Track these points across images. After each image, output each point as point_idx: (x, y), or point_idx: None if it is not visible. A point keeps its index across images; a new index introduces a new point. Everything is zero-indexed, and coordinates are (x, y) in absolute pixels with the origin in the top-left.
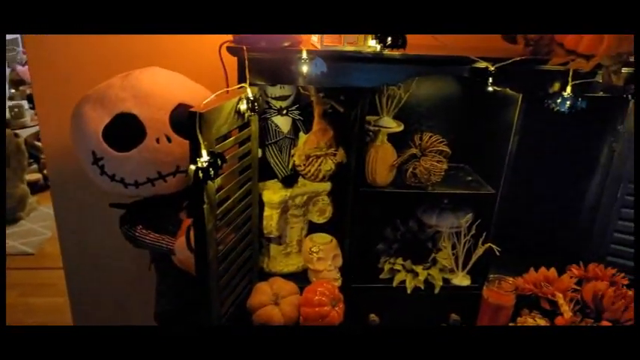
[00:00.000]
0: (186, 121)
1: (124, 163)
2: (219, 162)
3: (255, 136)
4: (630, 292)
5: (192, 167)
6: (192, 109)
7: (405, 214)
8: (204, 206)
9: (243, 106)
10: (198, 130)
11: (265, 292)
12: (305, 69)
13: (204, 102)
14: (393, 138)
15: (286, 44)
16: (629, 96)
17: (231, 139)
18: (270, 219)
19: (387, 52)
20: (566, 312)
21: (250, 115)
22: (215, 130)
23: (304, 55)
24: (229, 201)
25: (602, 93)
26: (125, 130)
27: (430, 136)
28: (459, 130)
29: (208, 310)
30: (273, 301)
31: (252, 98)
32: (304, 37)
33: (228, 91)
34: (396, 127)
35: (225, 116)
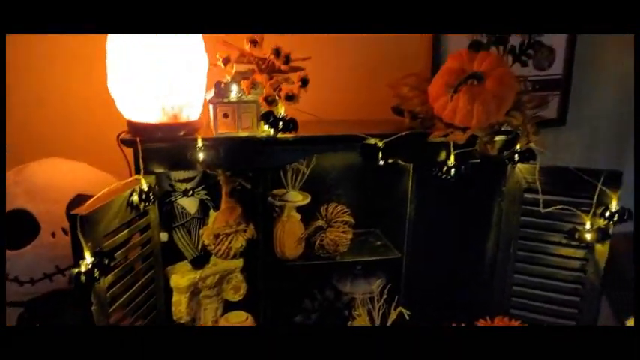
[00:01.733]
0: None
1: (17, 260)
2: (107, 261)
3: (156, 224)
4: None
5: (75, 270)
6: (72, 212)
7: (321, 283)
8: (93, 308)
9: (135, 198)
10: (79, 233)
11: None
12: (201, 156)
13: (88, 202)
14: (302, 210)
15: (182, 133)
16: (507, 160)
17: (124, 232)
18: (179, 304)
19: (280, 135)
20: None
21: (146, 206)
22: (103, 228)
23: (200, 143)
24: (127, 294)
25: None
26: (17, 227)
27: (335, 207)
28: (366, 195)
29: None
30: None
31: (145, 190)
32: (200, 123)
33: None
34: (302, 200)
35: (116, 211)
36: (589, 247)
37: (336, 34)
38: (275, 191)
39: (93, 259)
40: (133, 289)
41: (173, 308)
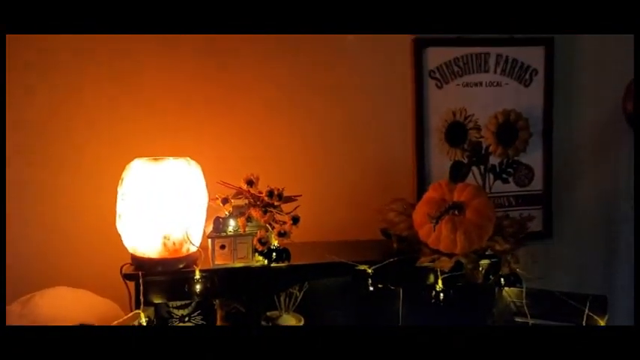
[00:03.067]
0: None
1: None
2: None
3: None
4: None
5: None
6: None
7: None
8: None
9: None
10: None
11: None
12: (199, 287)
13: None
14: None
15: (181, 266)
16: (493, 284)
17: None
18: None
19: (273, 264)
20: None
21: None
22: None
23: (198, 275)
24: None
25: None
26: None
27: None
28: (359, 317)
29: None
30: None
31: (144, 324)
32: (199, 254)
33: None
34: (295, 322)
35: None
36: None
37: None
38: (269, 313)
39: None
40: None
41: None
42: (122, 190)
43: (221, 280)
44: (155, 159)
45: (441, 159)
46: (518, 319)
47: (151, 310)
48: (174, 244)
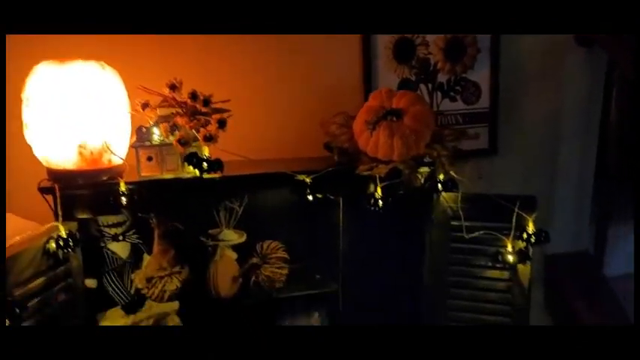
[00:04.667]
0: None
1: None
2: (18, 310)
3: (79, 271)
4: None
5: None
6: None
7: (262, 320)
8: None
9: (52, 246)
10: None
11: None
12: (126, 200)
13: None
14: (240, 248)
15: (104, 178)
16: (431, 190)
17: (39, 280)
18: None
19: (206, 175)
20: None
21: (66, 253)
22: (13, 277)
23: (123, 187)
24: None
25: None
26: None
27: (270, 244)
28: (302, 230)
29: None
30: None
31: (64, 237)
32: (124, 167)
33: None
34: (237, 238)
35: (29, 260)
36: (512, 268)
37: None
38: (211, 231)
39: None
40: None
41: None
42: (26, 96)
43: (150, 193)
44: (62, 61)
45: (389, 77)
46: (454, 223)
47: (74, 224)
48: (91, 153)
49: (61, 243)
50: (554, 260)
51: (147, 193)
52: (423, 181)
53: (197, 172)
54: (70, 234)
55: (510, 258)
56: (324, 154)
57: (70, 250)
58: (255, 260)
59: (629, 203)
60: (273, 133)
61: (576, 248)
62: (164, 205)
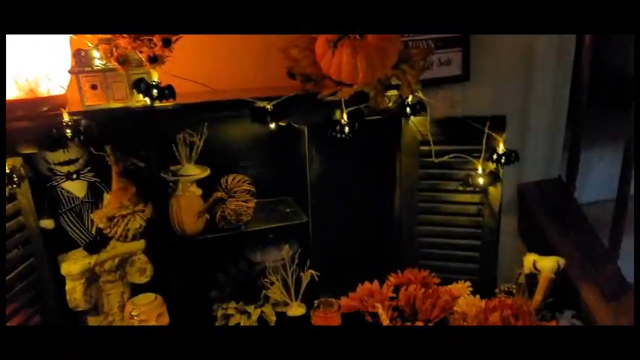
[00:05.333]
0: None
1: None
2: None
3: (29, 210)
4: (441, 290)
5: None
6: None
7: (232, 255)
8: None
9: None
10: None
11: None
12: (70, 132)
13: None
14: (205, 184)
15: (45, 109)
16: (399, 114)
17: None
18: (73, 292)
19: (157, 104)
20: (384, 320)
21: (12, 189)
22: None
23: (66, 117)
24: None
25: (379, 116)
26: None
27: (234, 177)
28: (271, 164)
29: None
30: None
31: (7, 172)
32: (66, 97)
33: None
34: (200, 173)
35: None
36: (483, 191)
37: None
38: (172, 167)
39: None
40: (8, 277)
41: (68, 297)
42: None
43: (98, 124)
44: None
45: None
46: (423, 148)
47: (18, 160)
48: (27, 81)
49: (5, 179)
50: (528, 188)
51: (95, 124)
52: (390, 105)
53: (147, 100)
54: (13, 169)
55: (481, 180)
56: (289, 84)
57: (15, 185)
58: (219, 194)
59: (601, 130)
60: (233, 63)
61: (549, 176)
62: (116, 139)
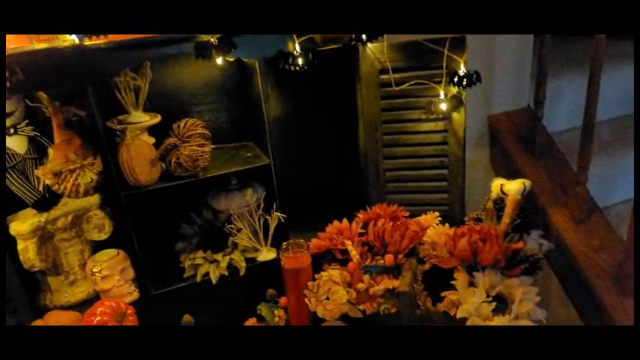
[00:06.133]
0: None
1: None
2: None
3: None
4: (409, 222)
5: None
6: None
7: (197, 203)
8: None
9: None
10: None
11: None
12: None
13: None
14: (158, 133)
15: None
16: (354, 42)
17: None
18: (26, 252)
19: (87, 42)
20: (355, 256)
21: None
22: None
23: None
24: None
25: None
26: None
27: (187, 122)
28: (228, 108)
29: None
30: None
31: None
32: None
33: None
34: (149, 120)
35: None
36: (447, 118)
37: None
38: (120, 117)
39: None
40: None
41: (21, 257)
42: None
43: (23, 69)
44: None
45: None
46: (383, 77)
47: None
48: None
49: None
50: (497, 119)
51: (20, 70)
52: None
53: (76, 39)
54: None
55: (444, 106)
56: None
57: None
58: (172, 140)
59: (569, 57)
60: None
61: (518, 106)
62: (47, 86)
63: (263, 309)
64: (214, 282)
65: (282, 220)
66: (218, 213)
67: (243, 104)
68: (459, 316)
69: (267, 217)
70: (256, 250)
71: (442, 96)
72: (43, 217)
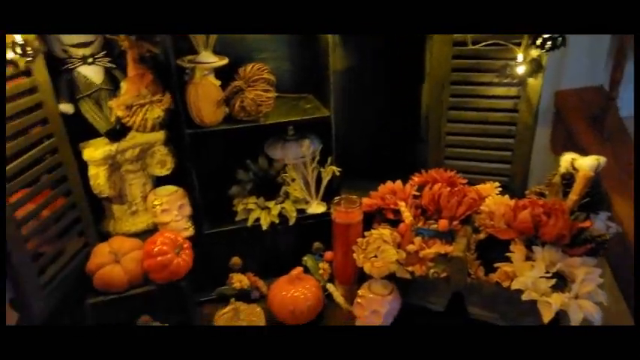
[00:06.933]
0: None
1: None
2: None
3: (46, 88)
4: (467, 189)
5: None
6: None
7: (253, 151)
8: None
9: (12, 54)
10: None
11: (103, 252)
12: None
13: None
14: (224, 76)
15: None
16: None
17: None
18: (97, 177)
19: None
20: (407, 217)
21: (27, 62)
22: None
23: None
24: (20, 159)
25: None
26: None
27: (253, 66)
28: (294, 57)
29: (15, 281)
30: (112, 260)
31: (20, 42)
32: None
33: None
34: (217, 60)
35: None
36: (521, 83)
37: None
38: (190, 57)
39: None
40: (29, 153)
41: (91, 182)
42: None
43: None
44: None
45: None
46: (456, 35)
47: (32, 36)
48: None
49: (18, 50)
50: (566, 95)
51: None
52: None
53: None
54: (26, 42)
55: (520, 70)
56: None
57: (30, 59)
58: (238, 83)
59: None
60: None
61: (590, 83)
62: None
63: (308, 260)
64: (264, 228)
65: (337, 174)
66: (273, 162)
67: (308, 54)
68: (513, 287)
69: (321, 169)
70: (307, 202)
71: (520, 59)
72: (113, 147)
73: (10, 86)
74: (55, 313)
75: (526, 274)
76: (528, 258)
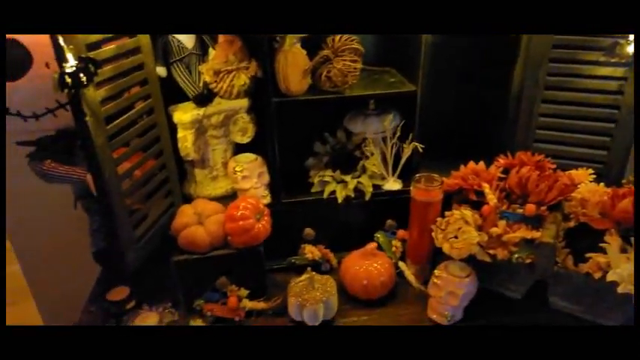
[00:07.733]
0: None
1: (15, 93)
2: (92, 67)
3: (148, 50)
4: (559, 174)
5: (56, 75)
6: None
7: (332, 124)
8: (87, 119)
9: None
10: (58, 36)
11: (188, 213)
12: None
13: None
14: (309, 44)
15: None
16: None
17: (109, 47)
18: (185, 140)
19: None
20: (492, 200)
21: None
22: (84, 37)
23: None
24: (122, 117)
25: None
26: (9, 57)
27: (342, 36)
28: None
29: (113, 230)
30: (196, 222)
31: None
32: None
33: None
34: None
35: None
36: (630, 64)
37: None
38: None
39: (77, 62)
40: (129, 113)
41: (179, 144)
42: None
43: None
44: None
45: None
46: None
47: None
48: None
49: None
50: None
51: None
52: None
53: None
54: None
55: (631, 48)
56: None
57: None
58: (326, 52)
59: None
60: None
61: None
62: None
63: (381, 237)
64: (339, 201)
65: (420, 150)
66: (352, 136)
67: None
68: (608, 279)
69: (403, 145)
70: (383, 178)
71: (632, 37)
72: (201, 111)
73: (115, 46)
74: (141, 268)
75: (622, 266)
76: (623, 250)
